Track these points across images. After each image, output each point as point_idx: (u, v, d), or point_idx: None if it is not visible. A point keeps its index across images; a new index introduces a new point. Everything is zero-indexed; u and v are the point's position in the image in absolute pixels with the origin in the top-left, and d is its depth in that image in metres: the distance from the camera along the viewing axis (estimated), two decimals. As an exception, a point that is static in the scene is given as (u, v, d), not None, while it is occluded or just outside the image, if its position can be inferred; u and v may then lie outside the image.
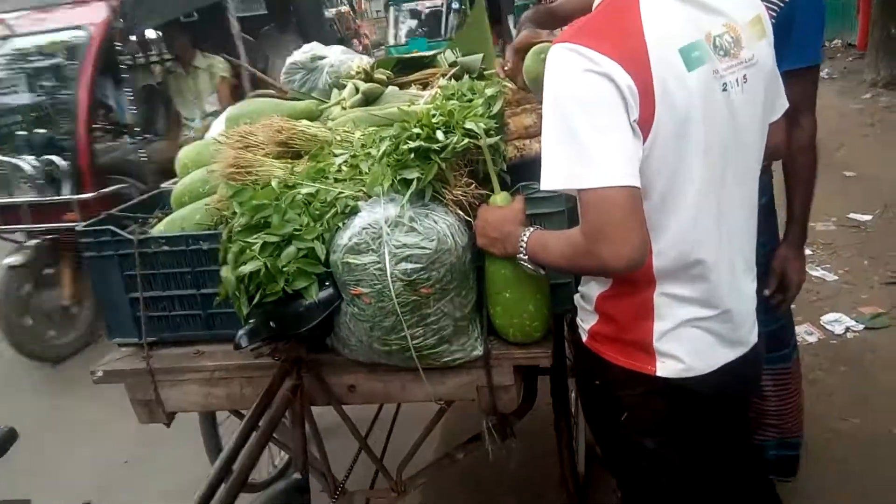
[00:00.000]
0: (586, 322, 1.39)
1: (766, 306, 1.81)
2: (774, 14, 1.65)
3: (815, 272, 3.88)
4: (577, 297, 1.44)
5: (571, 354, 2.12)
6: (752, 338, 1.39)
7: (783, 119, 1.41)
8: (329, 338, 1.64)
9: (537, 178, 1.19)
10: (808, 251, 4.08)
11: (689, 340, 1.29)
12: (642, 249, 1.13)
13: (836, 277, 3.83)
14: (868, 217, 4.59)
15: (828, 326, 3.32)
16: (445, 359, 1.54)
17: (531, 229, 1.35)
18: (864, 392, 2.79)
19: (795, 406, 2.14)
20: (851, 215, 4.64)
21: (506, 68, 1.86)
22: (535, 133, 1.84)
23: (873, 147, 6.11)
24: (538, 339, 1.57)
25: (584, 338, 1.40)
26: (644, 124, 1.11)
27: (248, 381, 1.72)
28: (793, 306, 2.05)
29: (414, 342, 1.48)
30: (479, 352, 1.56)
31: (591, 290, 1.36)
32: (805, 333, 3.25)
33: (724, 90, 1.17)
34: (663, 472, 1.41)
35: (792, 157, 1.81)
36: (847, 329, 3.27)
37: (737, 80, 1.19)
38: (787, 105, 1.40)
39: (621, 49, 1.10)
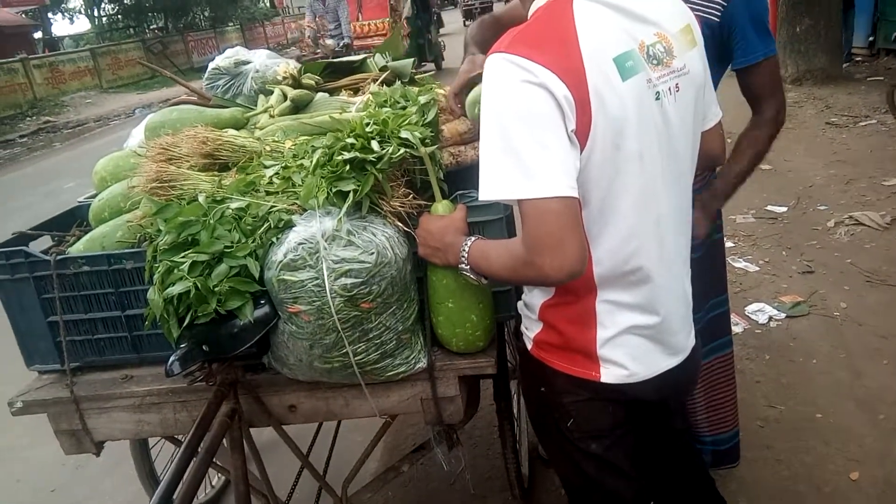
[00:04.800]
0: (531, 330, 1.39)
1: (705, 294, 1.84)
2: (718, 14, 1.67)
3: (738, 263, 4.03)
4: (520, 305, 1.44)
5: (513, 358, 2.14)
6: (690, 342, 1.42)
7: (719, 128, 1.44)
8: (266, 357, 1.58)
9: (474, 184, 1.17)
10: (730, 243, 4.29)
11: (632, 347, 1.31)
12: (581, 259, 1.13)
13: (757, 268, 3.98)
14: (784, 209, 4.80)
15: (752, 316, 3.44)
16: (389, 373, 1.51)
17: (472, 239, 1.33)
18: (788, 379, 2.91)
19: (734, 398, 2.18)
20: (769, 207, 4.84)
21: (451, 110, 1.82)
22: (469, 139, 1.84)
23: (785, 142, 6.40)
24: (482, 347, 1.56)
25: (529, 346, 1.40)
26: (581, 134, 1.11)
27: (183, 406, 1.63)
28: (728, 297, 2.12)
29: (356, 358, 1.44)
30: (423, 364, 1.53)
31: (535, 298, 1.35)
32: (731, 324, 3.35)
33: (657, 99, 1.19)
34: (608, 476, 1.43)
35: (751, 128, 1.86)
36: (770, 318, 3.40)
37: (669, 90, 1.20)
38: (720, 115, 1.43)
39: (557, 58, 1.09)
